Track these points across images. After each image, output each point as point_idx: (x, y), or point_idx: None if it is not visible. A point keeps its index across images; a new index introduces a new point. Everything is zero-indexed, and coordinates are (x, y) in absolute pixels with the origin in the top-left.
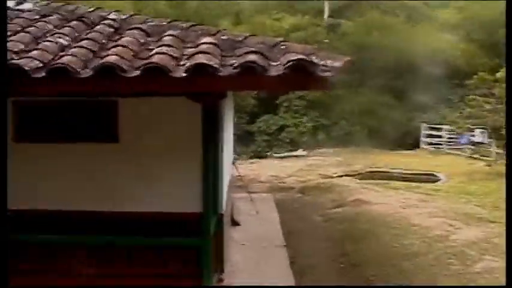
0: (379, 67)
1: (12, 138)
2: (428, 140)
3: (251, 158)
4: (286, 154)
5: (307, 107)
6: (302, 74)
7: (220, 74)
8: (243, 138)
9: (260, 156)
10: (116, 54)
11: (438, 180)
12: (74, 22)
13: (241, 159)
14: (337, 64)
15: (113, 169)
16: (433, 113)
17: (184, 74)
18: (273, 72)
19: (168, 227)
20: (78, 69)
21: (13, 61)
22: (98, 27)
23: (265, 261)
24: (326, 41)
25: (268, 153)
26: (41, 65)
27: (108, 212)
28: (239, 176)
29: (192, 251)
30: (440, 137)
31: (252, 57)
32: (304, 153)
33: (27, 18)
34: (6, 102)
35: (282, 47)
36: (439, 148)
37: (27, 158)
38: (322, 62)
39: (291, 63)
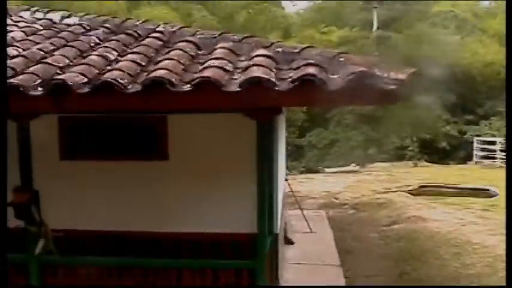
0: (430, 80)
1: (59, 156)
2: (481, 153)
3: (302, 173)
4: (337, 169)
5: (357, 121)
6: (364, 87)
7: (277, 88)
8: (293, 153)
9: (311, 171)
10: (165, 68)
11: (494, 195)
12: (121, 35)
13: (292, 174)
14: (401, 76)
15: (162, 188)
16: (485, 126)
17: (238, 89)
18: (333, 85)
19: (220, 248)
20: (126, 84)
21: (58, 76)
22: (146, 40)
23: (320, 282)
24: (375, 54)
25: (320, 168)
26: (86, 80)
27: (156, 232)
28: (291, 192)
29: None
30: (493, 151)
31: (310, 70)
32: (356, 168)
33: (72, 32)
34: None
35: (341, 59)
36: (492, 162)
37: (73, 176)
38: (385, 75)
39: (352, 76)
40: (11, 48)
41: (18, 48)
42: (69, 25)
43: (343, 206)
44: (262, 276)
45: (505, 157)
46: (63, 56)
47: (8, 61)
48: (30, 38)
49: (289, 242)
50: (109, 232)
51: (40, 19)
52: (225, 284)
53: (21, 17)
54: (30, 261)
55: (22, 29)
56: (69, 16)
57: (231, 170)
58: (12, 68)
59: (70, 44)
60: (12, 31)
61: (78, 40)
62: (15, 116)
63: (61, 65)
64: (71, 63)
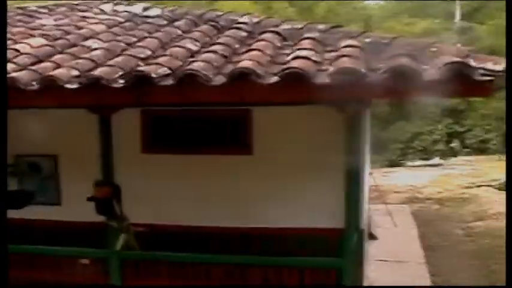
0: None
1: (140, 149)
2: None
3: (385, 166)
4: (421, 163)
5: (441, 113)
6: (458, 78)
7: (367, 79)
8: (375, 146)
9: (394, 164)
10: (251, 59)
11: None
12: (204, 26)
13: (375, 167)
14: (498, 67)
15: (245, 183)
16: None
17: (327, 80)
18: (426, 77)
19: (304, 243)
20: (210, 76)
21: (139, 68)
22: (229, 31)
23: (405, 279)
24: (458, 45)
25: (402, 162)
26: (169, 71)
27: (239, 227)
28: (375, 186)
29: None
30: None
31: (402, 60)
32: (440, 161)
33: (154, 24)
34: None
35: (433, 49)
36: None
37: (155, 170)
38: (481, 65)
39: (445, 66)
40: (91, 41)
41: (99, 41)
42: (150, 17)
43: (427, 201)
44: (348, 274)
45: None
46: (145, 47)
47: (89, 54)
48: (111, 30)
49: (372, 237)
50: (191, 227)
51: (121, 11)
52: (311, 282)
53: (102, 9)
54: (111, 257)
55: (103, 22)
56: (150, 8)
57: (316, 164)
58: (93, 61)
59: (152, 35)
60: (93, 24)
61: (160, 32)
62: (96, 109)
63: (143, 56)
64: (153, 55)
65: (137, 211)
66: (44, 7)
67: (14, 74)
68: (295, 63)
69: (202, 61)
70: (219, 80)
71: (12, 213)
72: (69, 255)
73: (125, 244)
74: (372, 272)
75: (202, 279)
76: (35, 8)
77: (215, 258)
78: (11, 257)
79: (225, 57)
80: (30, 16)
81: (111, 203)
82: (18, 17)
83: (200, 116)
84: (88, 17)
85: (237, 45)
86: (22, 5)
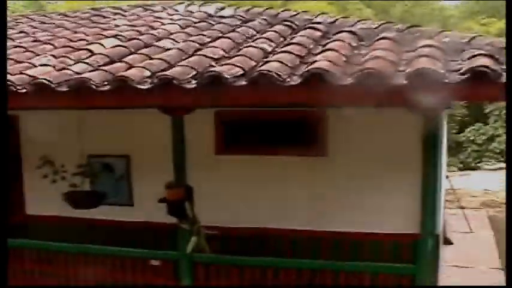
0: None
1: (214, 150)
2: None
3: (460, 169)
4: (498, 166)
5: None
6: None
7: (446, 80)
8: (451, 148)
9: (470, 167)
10: (327, 60)
11: None
12: (278, 26)
13: (451, 170)
14: None
15: (319, 185)
16: None
17: (405, 81)
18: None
19: (378, 248)
20: (285, 77)
21: (212, 68)
22: (304, 31)
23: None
24: None
25: (479, 165)
26: (243, 72)
27: (313, 231)
28: (451, 189)
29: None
30: None
31: (483, 60)
32: None
33: (228, 24)
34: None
35: None
36: None
37: (229, 172)
38: None
39: None
40: (165, 40)
41: (173, 41)
42: (224, 17)
43: (504, 205)
44: (422, 281)
45: None
46: (218, 48)
47: (162, 54)
48: (185, 30)
49: (447, 242)
50: (263, 229)
51: (195, 12)
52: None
53: (176, 10)
54: (182, 259)
55: (176, 22)
56: (223, 8)
57: (391, 167)
58: (166, 61)
59: (225, 35)
60: (166, 24)
61: (234, 32)
62: (168, 110)
63: (216, 57)
64: (226, 55)
65: (209, 213)
66: (117, 8)
67: (86, 75)
68: (371, 64)
69: (277, 61)
70: (294, 80)
71: (85, 214)
72: (140, 256)
73: (196, 246)
74: (448, 278)
75: (272, 282)
76: (108, 9)
77: (286, 262)
78: (80, 257)
79: (300, 57)
80: (104, 17)
81: (183, 205)
82: (93, 18)
83: (274, 117)
84: (161, 18)
85: (312, 46)
86: (96, 6)
